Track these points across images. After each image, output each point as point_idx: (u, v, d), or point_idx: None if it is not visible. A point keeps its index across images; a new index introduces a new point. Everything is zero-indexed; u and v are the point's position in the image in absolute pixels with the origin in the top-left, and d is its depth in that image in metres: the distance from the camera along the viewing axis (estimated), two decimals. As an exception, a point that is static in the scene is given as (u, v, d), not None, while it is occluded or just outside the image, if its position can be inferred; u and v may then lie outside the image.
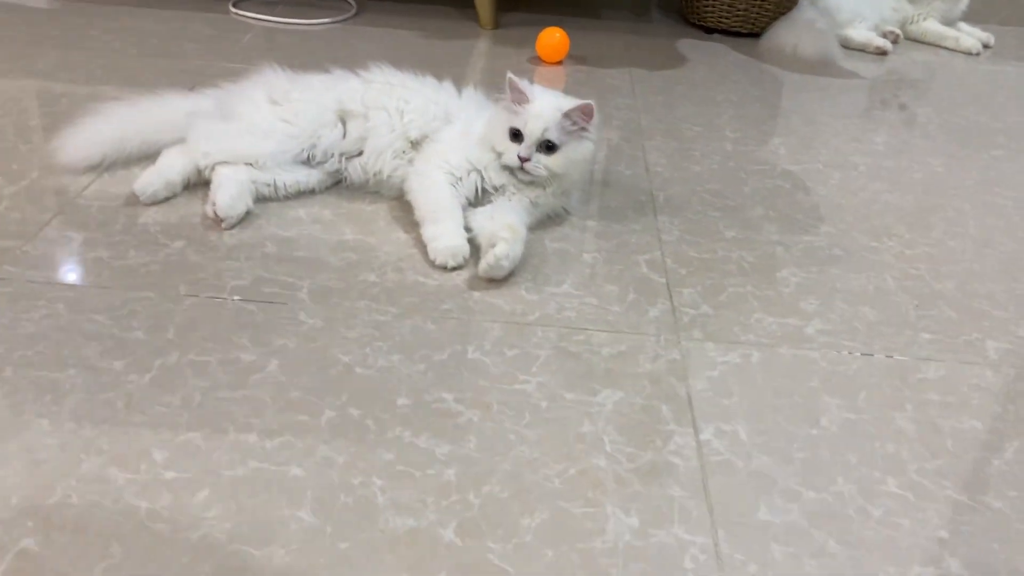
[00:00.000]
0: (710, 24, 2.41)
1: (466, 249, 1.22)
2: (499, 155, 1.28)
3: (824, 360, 1.09)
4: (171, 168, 1.32)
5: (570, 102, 1.28)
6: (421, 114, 1.35)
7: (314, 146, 1.35)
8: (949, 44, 2.44)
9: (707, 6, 2.38)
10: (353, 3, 2.37)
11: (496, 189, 1.30)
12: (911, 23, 2.48)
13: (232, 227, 1.26)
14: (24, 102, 1.60)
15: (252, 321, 1.06)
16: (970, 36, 2.45)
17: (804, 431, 0.97)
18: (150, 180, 1.29)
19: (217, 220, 1.25)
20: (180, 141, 1.38)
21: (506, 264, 1.17)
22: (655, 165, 1.58)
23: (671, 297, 1.19)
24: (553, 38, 2.05)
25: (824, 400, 1.02)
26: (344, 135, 1.36)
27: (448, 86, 1.42)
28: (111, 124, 1.39)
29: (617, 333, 1.10)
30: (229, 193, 1.26)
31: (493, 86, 1.45)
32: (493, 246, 1.17)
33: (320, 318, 1.08)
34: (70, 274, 1.12)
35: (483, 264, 1.17)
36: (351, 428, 0.91)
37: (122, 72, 1.79)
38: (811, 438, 0.96)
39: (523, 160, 1.25)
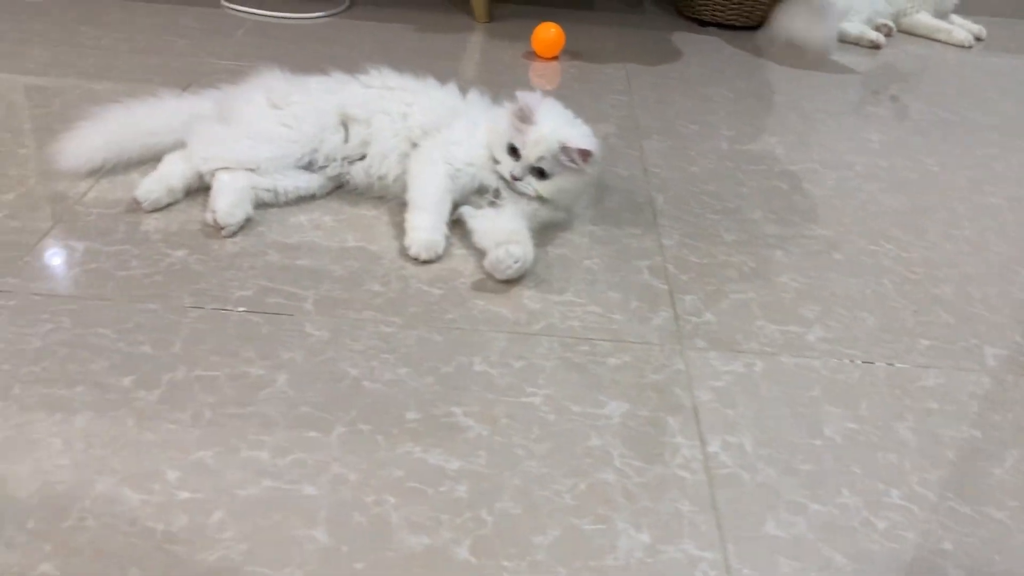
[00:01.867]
0: (705, 17, 2.41)
1: (441, 245, 1.25)
2: (496, 163, 1.30)
3: (825, 368, 1.10)
4: (172, 174, 1.31)
5: (574, 136, 1.28)
6: (425, 114, 1.35)
7: (315, 151, 1.34)
8: (942, 37, 2.45)
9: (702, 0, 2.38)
10: (346, -5, 2.35)
11: (491, 193, 1.31)
12: (903, 16, 2.48)
13: (232, 235, 1.25)
14: (16, 103, 1.59)
15: (258, 333, 1.06)
16: (962, 28, 2.46)
17: (808, 442, 0.98)
18: (152, 187, 1.29)
19: (217, 227, 1.25)
20: (180, 145, 1.37)
21: (515, 266, 1.18)
22: (653, 166, 1.58)
23: (674, 304, 1.19)
24: (548, 33, 2.04)
25: (827, 410, 1.03)
26: (346, 139, 1.36)
27: (452, 88, 1.42)
28: (110, 128, 1.38)
29: (621, 343, 1.11)
30: (228, 200, 1.26)
31: (490, 82, 1.45)
32: (506, 244, 1.18)
33: (327, 330, 1.08)
34: (74, 286, 1.12)
35: (492, 257, 1.18)
36: (362, 444, 0.92)
37: (114, 70, 1.77)
38: (815, 449, 0.97)
39: (514, 178, 1.27)
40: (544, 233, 1.33)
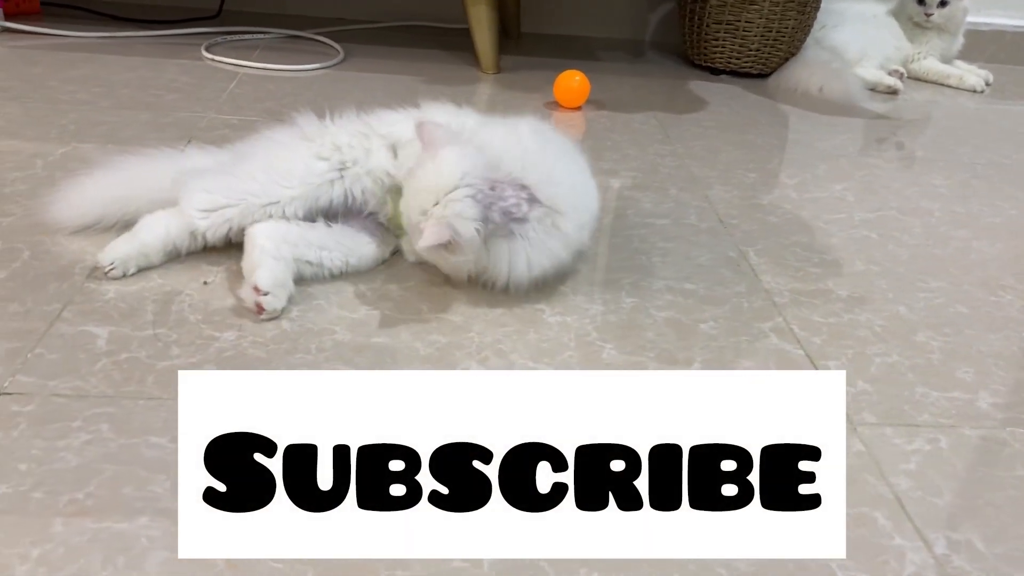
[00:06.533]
0: (718, 65, 2.30)
1: None
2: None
3: (1015, 440, 0.94)
4: (150, 231, 1.09)
5: None
6: None
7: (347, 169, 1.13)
8: (953, 82, 2.40)
9: (716, 47, 2.28)
10: (339, 48, 2.17)
11: None
12: (912, 61, 2.43)
13: (275, 318, 1.03)
14: (-8, 165, 1.35)
15: (352, 433, 0.85)
16: (971, 74, 2.41)
17: (1042, 535, 0.82)
18: (120, 249, 1.07)
19: (259, 309, 1.02)
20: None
21: None
22: (728, 217, 1.43)
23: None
24: (573, 82, 1.90)
25: (1041, 492, 0.87)
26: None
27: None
28: (114, 180, 1.16)
29: (781, 422, 0.93)
30: (273, 276, 1.03)
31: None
32: None
33: (433, 423, 0.87)
34: (105, 383, 0.89)
35: None
36: None
37: (99, 127, 1.55)
38: (1053, 543, 0.81)
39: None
40: (644, 294, 1.15)
